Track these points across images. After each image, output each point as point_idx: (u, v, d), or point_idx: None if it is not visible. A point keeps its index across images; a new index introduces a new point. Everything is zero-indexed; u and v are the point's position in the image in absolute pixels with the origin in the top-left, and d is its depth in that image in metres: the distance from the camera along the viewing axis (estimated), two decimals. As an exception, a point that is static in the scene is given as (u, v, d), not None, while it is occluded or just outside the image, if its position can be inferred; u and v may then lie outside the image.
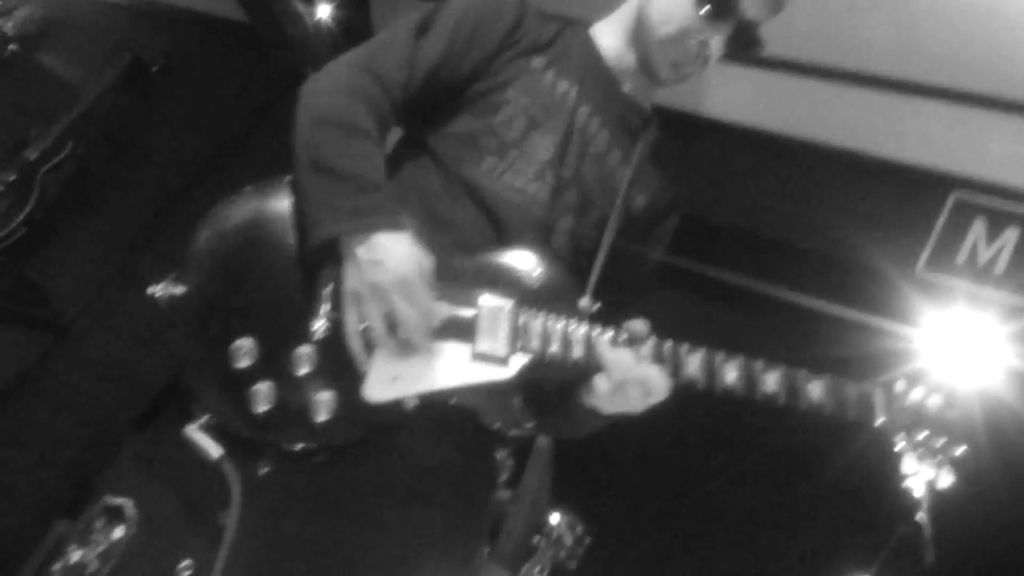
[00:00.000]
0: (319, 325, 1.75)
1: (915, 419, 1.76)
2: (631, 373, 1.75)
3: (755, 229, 3.40)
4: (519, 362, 1.76)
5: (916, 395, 1.79)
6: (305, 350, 1.74)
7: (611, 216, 2.06)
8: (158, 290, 1.76)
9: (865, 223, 3.19)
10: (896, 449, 1.71)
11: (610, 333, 1.80)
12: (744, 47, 2.03)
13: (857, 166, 3.36)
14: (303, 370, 1.74)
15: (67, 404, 3.97)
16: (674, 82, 2.09)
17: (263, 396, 1.71)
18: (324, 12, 4.30)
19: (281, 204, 1.85)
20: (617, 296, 1.97)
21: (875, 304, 3.15)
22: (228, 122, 4.54)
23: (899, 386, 1.80)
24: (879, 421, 1.75)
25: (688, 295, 3.51)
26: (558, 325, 1.79)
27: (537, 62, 2.02)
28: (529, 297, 1.82)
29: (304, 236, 1.78)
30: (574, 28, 2.13)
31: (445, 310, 1.77)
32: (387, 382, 1.73)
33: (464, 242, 1.88)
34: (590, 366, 1.77)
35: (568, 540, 3.48)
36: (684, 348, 1.79)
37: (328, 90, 1.87)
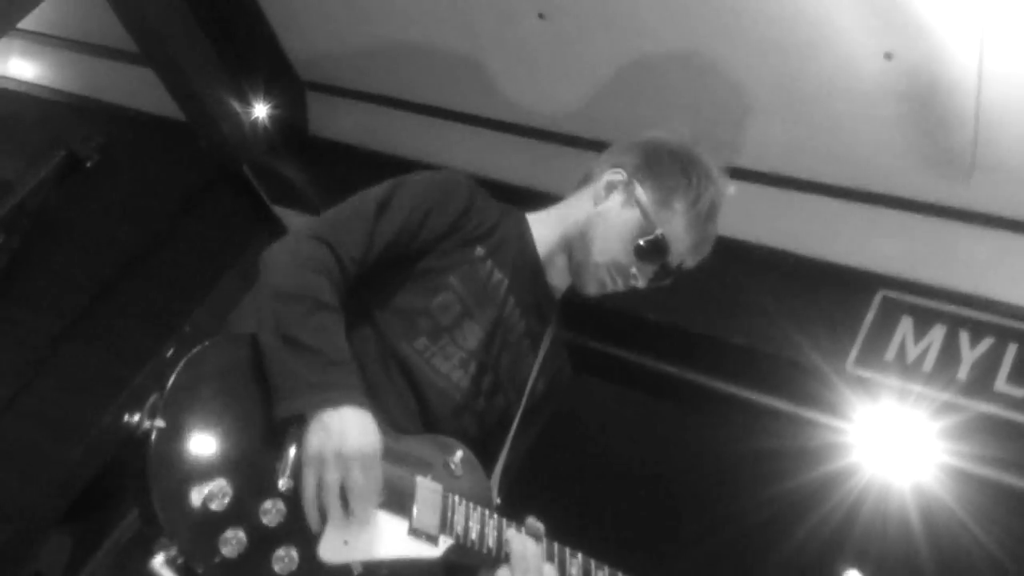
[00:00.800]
0: (284, 482, 1.79)
1: None
2: (531, 565, 1.92)
3: (686, 326, 3.43)
4: (446, 543, 1.90)
5: None
6: (271, 504, 1.78)
7: (517, 405, 2.27)
8: (138, 419, 1.77)
9: (795, 320, 3.23)
10: None
11: (513, 527, 1.97)
12: (659, 282, 2.29)
13: (787, 265, 3.43)
14: (271, 523, 1.77)
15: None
16: (596, 296, 2.31)
17: (232, 542, 1.73)
18: (260, 111, 4.33)
19: (251, 358, 1.91)
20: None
21: (807, 398, 3.18)
22: (160, 212, 4.53)
23: None
24: None
25: (623, 387, 3.52)
26: (475, 514, 1.95)
27: (479, 251, 2.17)
28: (453, 485, 1.98)
29: (270, 399, 1.84)
30: (513, 216, 2.32)
31: (390, 486, 1.89)
32: (339, 546, 1.81)
33: (389, 414, 1.99)
34: (499, 556, 1.93)
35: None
36: (567, 551, 2.01)
37: (291, 263, 1.95)
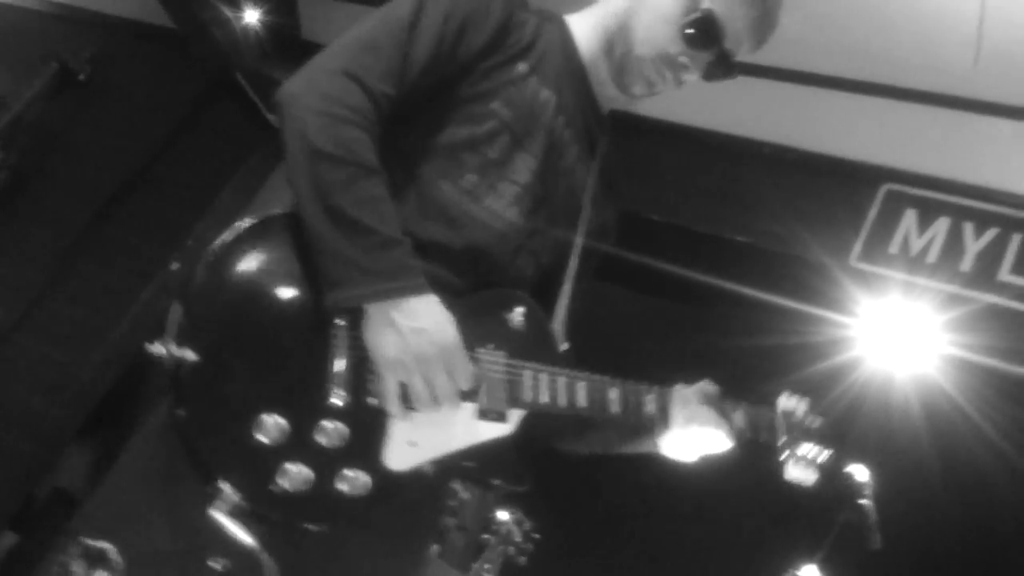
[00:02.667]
0: (338, 395, 1.64)
1: (802, 435, 1.97)
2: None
3: (689, 224, 3.43)
4: (515, 416, 1.78)
5: (802, 416, 2.00)
6: (329, 424, 1.63)
7: (572, 239, 2.03)
8: (161, 350, 1.57)
9: (798, 216, 3.23)
10: (780, 458, 1.95)
11: (584, 379, 1.86)
12: (718, 75, 1.98)
13: (789, 161, 3.41)
14: (330, 444, 1.63)
15: (6, 416, 3.90)
16: (644, 97, 2.02)
17: (293, 474, 1.59)
18: (252, 16, 4.26)
19: (283, 249, 1.68)
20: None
21: (811, 295, 3.19)
22: (158, 125, 4.49)
23: (792, 407, 2.01)
24: (780, 440, 1.96)
25: (627, 288, 3.53)
26: (543, 376, 1.81)
27: (521, 68, 1.89)
28: (515, 345, 1.82)
29: (317, 288, 1.65)
30: (552, 22, 2.01)
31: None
32: (405, 449, 1.69)
33: (437, 274, 1.77)
34: (575, 411, 1.83)
35: (517, 536, 3.47)
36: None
37: (322, 112, 1.67)
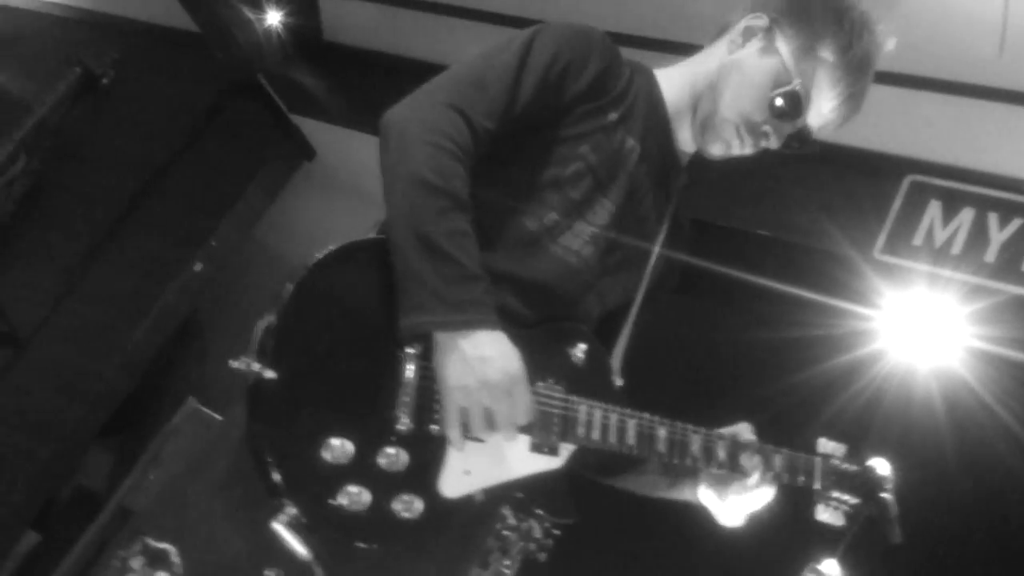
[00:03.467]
0: (404, 423, 1.70)
1: (836, 483, 2.02)
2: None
3: (711, 219, 3.41)
4: (567, 450, 1.84)
5: (839, 462, 2.03)
6: (392, 450, 1.70)
7: (639, 283, 2.10)
8: (244, 366, 1.63)
9: (822, 208, 3.21)
10: (813, 499, 2.02)
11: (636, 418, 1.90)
12: (795, 148, 2.04)
13: (812, 152, 3.37)
14: (391, 468, 1.69)
15: (28, 418, 3.94)
16: (718, 159, 2.07)
17: (354, 496, 1.66)
18: (274, 19, 4.28)
19: (368, 275, 1.75)
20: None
21: (836, 287, 3.16)
22: (180, 127, 4.52)
23: (831, 451, 2.05)
24: (816, 485, 2.01)
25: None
26: (597, 412, 1.87)
27: (612, 116, 1.95)
28: (574, 381, 1.88)
29: (394, 316, 1.71)
30: (642, 74, 2.06)
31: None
32: (460, 477, 1.75)
33: (507, 305, 1.84)
34: (625, 450, 1.88)
35: (537, 532, 3.46)
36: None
37: (427, 141, 1.74)
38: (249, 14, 4.22)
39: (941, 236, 3.09)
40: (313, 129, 4.62)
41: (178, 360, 4.81)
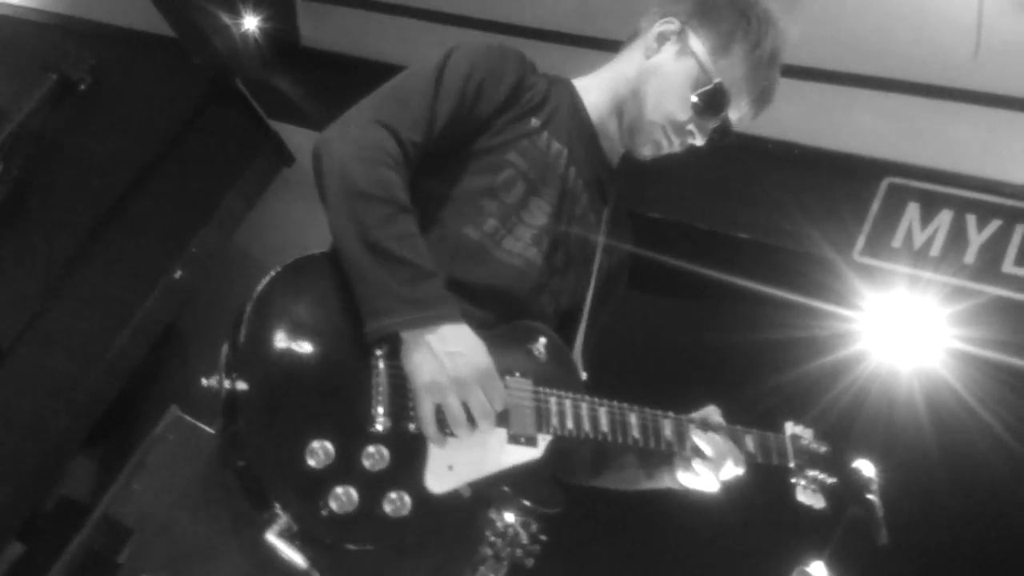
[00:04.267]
0: (383, 422, 1.72)
1: (809, 461, 2.12)
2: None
3: (692, 221, 3.42)
4: (544, 440, 1.87)
5: (808, 442, 2.14)
6: (373, 449, 1.71)
7: (590, 282, 2.17)
8: (214, 383, 1.65)
9: (801, 211, 3.22)
10: (791, 480, 2.11)
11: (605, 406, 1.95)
12: (717, 141, 2.15)
13: (791, 156, 3.40)
14: (374, 467, 1.70)
15: (11, 426, 3.90)
16: (649, 158, 2.18)
17: (342, 498, 1.66)
18: (251, 24, 4.26)
19: (321, 286, 1.79)
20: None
21: (815, 289, 3.19)
22: (158, 133, 4.49)
23: (799, 433, 2.16)
24: (791, 463, 2.11)
25: (630, 287, 3.54)
26: (567, 402, 1.91)
27: (534, 122, 2.06)
28: (540, 374, 1.93)
29: (356, 320, 1.75)
30: (561, 84, 2.17)
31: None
32: (444, 472, 1.77)
33: (465, 309, 1.86)
34: (597, 439, 1.91)
35: (524, 538, 3.46)
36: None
37: (360, 157, 1.81)
38: (226, 19, 4.20)
39: (920, 238, 3.12)
40: (291, 135, 4.61)
41: (160, 367, 4.79)
